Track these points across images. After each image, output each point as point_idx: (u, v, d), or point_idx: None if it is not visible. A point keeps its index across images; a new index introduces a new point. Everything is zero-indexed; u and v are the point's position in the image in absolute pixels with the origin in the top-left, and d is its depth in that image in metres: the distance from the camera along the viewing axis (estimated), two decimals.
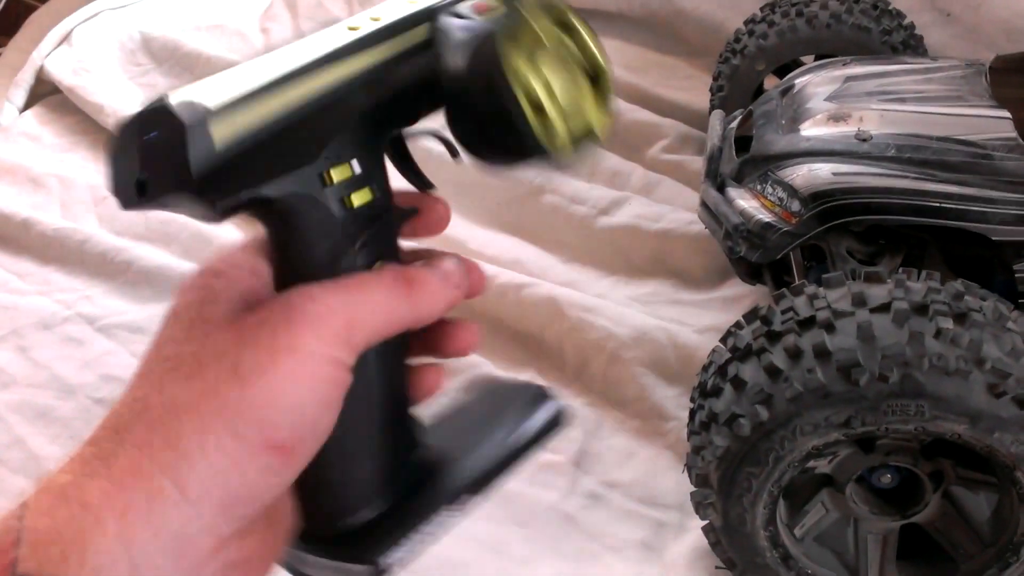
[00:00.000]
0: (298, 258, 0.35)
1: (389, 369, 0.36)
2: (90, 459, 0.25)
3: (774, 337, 0.46)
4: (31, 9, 1.28)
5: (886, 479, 0.48)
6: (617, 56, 1.06)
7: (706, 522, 0.50)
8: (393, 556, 0.36)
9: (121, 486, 0.25)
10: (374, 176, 0.35)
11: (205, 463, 0.25)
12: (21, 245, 0.74)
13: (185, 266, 0.71)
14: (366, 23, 0.33)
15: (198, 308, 0.29)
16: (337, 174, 0.34)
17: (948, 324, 0.43)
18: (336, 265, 0.34)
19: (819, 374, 0.43)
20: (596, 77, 0.34)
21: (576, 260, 0.79)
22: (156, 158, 0.29)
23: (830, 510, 0.49)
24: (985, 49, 0.98)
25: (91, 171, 0.84)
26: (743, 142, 0.70)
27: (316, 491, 0.35)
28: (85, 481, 0.25)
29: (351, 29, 0.32)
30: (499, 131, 0.32)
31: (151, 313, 0.67)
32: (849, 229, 0.62)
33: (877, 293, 0.45)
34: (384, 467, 0.36)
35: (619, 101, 0.97)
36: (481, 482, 0.40)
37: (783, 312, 0.47)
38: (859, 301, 0.45)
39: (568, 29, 0.33)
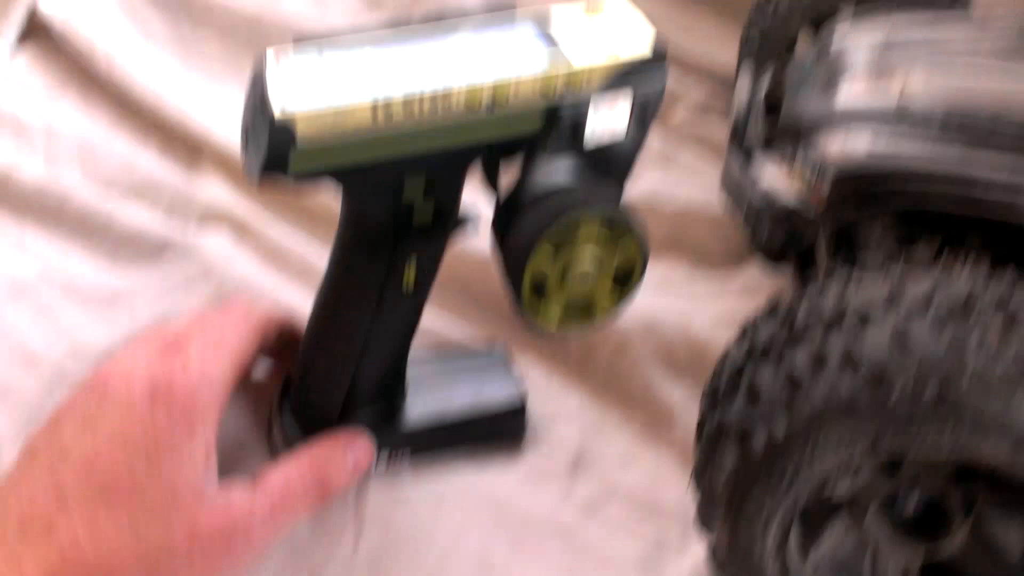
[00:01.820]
0: (352, 235, 0.43)
1: (412, 320, 0.48)
2: None
3: (795, 339, 0.41)
4: None
5: (911, 507, 0.43)
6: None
7: (710, 543, 0.45)
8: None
9: None
10: (445, 190, 0.41)
11: None
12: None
13: (168, 228, 0.67)
14: (487, 103, 0.36)
15: (188, 458, 0.37)
16: (410, 192, 0.39)
17: (996, 329, 0.37)
18: (381, 250, 0.42)
19: (843, 386, 0.38)
20: (627, 277, 0.40)
21: None
22: (254, 149, 0.36)
23: (846, 539, 0.44)
24: None
25: (79, 119, 0.79)
26: (774, 105, 0.64)
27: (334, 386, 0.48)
28: None
29: (469, 108, 0.36)
30: (507, 276, 0.38)
31: (128, 280, 0.63)
32: (886, 212, 0.56)
33: (915, 289, 0.40)
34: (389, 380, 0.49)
35: None
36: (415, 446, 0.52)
37: (807, 308, 0.42)
38: (894, 298, 0.39)
39: (620, 234, 0.38)
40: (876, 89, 0.55)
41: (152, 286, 0.64)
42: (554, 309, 0.37)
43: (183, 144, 0.77)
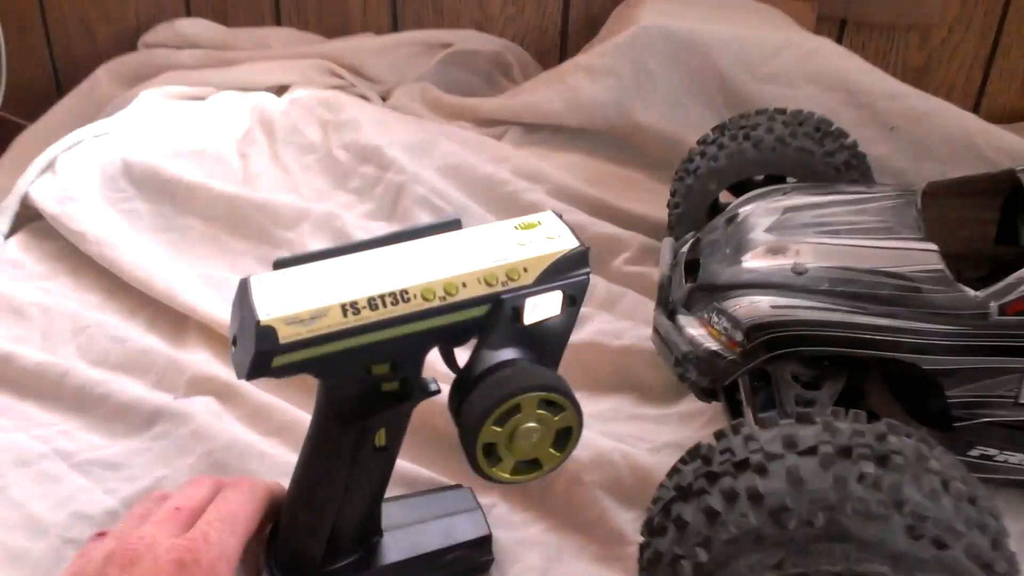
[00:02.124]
0: (329, 416, 0.49)
1: (384, 472, 0.55)
2: None
3: (712, 478, 0.49)
4: (18, 127, 1.32)
5: None
6: (580, 170, 1.11)
7: None
8: None
9: None
10: (408, 372, 0.47)
11: None
12: (2, 379, 0.76)
13: (157, 398, 0.74)
14: (440, 294, 0.44)
15: None
16: (377, 369, 0.46)
17: (870, 468, 0.45)
18: (354, 426, 0.48)
19: (752, 517, 0.45)
20: (567, 434, 0.47)
21: None
22: (242, 350, 0.43)
23: None
24: (928, 160, 1.03)
25: (72, 300, 0.87)
26: (694, 266, 0.74)
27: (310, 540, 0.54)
28: None
29: (425, 299, 0.43)
30: (463, 445, 0.45)
31: (125, 448, 0.69)
32: (793, 356, 0.65)
33: (805, 435, 0.48)
34: (365, 528, 0.55)
35: (583, 215, 1.01)
36: None
37: (721, 452, 0.50)
38: (789, 443, 0.48)
39: (556, 407, 0.45)
40: (774, 260, 0.65)
41: (147, 452, 0.70)
42: (505, 466, 0.44)
43: (169, 318, 0.85)
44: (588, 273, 0.47)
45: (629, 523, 0.65)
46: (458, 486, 0.65)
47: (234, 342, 0.44)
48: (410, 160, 1.03)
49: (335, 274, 0.44)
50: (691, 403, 0.78)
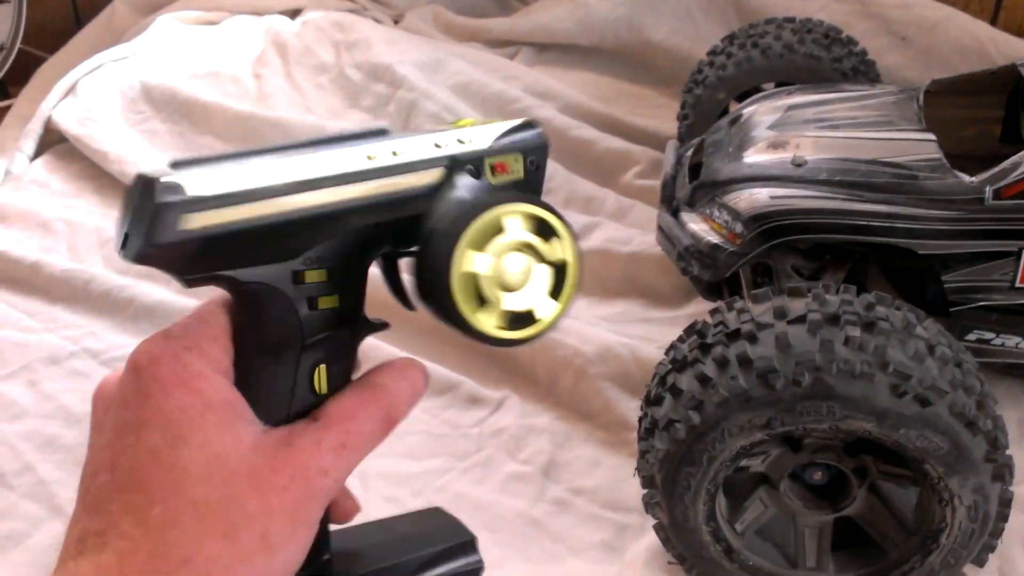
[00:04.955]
0: (255, 340, 0.37)
1: None
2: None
3: (706, 349, 0.51)
4: (40, 60, 1.35)
5: (817, 476, 0.52)
6: (591, 87, 1.11)
7: (656, 521, 0.54)
8: None
9: None
10: (347, 286, 0.37)
11: None
12: (31, 286, 0.79)
13: (182, 301, 0.76)
14: (385, 155, 0.34)
15: (195, 415, 0.32)
16: (311, 276, 0.36)
17: (856, 332, 0.47)
18: (287, 354, 0.37)
19: (741, 380, 0.47)
20: (563, 274, 0.36)
21: None
22: (137, 221, 0.31)
23: (768, 506, 0.53)
24: (939, 70, 1.03)
25: (96, 215, 0.89)
26: (697, 169, 0.75)
27: None
28: None
29: (369, 158, 0.34)
30: (438, 306, 0.34)
31: None
32: (793, 247, 0.67)
33: (795, 306, 0.50)
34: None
35: (594, 130, 1.02)
36: None
37: (715, 326, 0.52)
38: (780, 314, 0.50)
39: (548, 230, 0.34)
40: (775, 154, 0.66)
41: None
42: (492, 312, 0.35)
43: None
44: (542, 134, 0.38)
45: (633, 411, 0.68)
46: (434, 509, 0.49)
47: (123, 243, 0.32)
48: (421, 78, 1.05)
49: (251, 168, 0.34)
50: (699, 305, 0.80)
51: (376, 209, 0.35)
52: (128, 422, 0.32)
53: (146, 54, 1.09)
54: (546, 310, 0.36)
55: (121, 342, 0.73)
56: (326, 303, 0.36)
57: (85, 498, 0.32)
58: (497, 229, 0.34)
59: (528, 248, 0.35)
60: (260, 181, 0.32)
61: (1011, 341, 0.63)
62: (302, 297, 0.36)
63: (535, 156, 0.38)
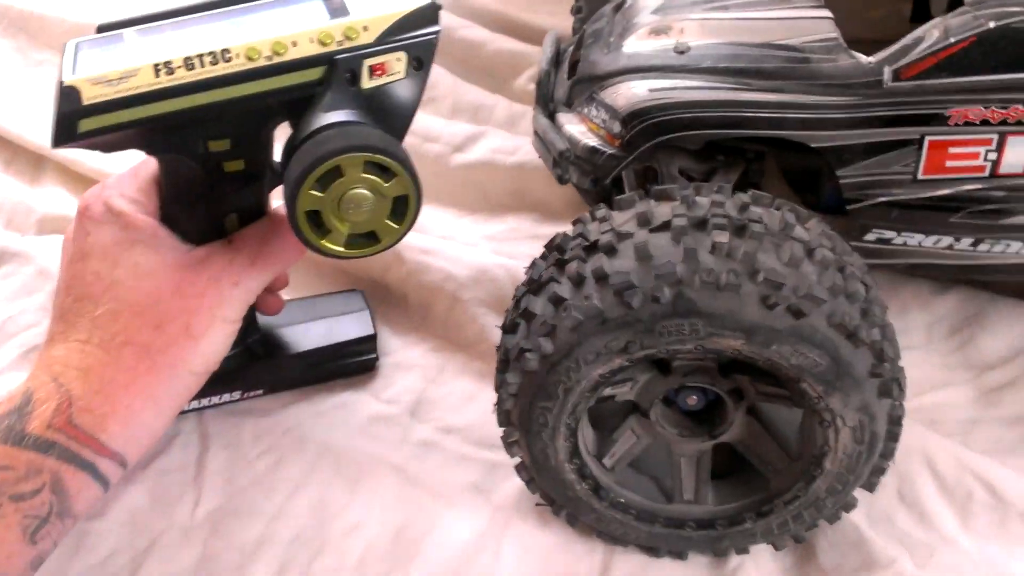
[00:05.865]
0: (174, 193, 0.46)
1: None
2: (91, 353, 0.42)
3: (562, 265, 0.44)
4: None
5: (692, 401, 0.47)
6: None
7: (518, 461, 0.48)
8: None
9: (131, 372, 0.42)
10: (251, 150, 0.45)
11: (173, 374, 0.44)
12: None
13: (3, 238, 0.68)
14: (266, 53, 0.40)
15: (125, 244, 0.43)
16: (215, 146, 0.43)
17: (724, 238, 0.41)
18: (199, 206, 0.46)
19: (596, 300, 0.41)
20: (404, 203, 0.42)
21: (431, 201, 0.76)
22: (54, 123, 0.40)
23: (640, 437, 0.48)
24: None
25: None
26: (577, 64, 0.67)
27: None
28: (101, 367, 0.41)
29: (250, 58, 0.40)
30: (287, 211, 0.41)
31: None
32: (680, 147, 0.60)
33: (661, 212, 0.43)
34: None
35: (484, 31, 0.93)
36: (275, 384, 0.58)
37: (574, 238, 0.45)
38: (643, 221, 0.43)
39: (387, 172, 0.41)
40: (657, 41, 0.59)
41: None
42: (336, 238, 0.41)
43: (28, 158, 0.78)
44: (437, 32, 0.43)
45: None
46: (352, 290, 0.63)
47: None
48: None
49: (157, 40, 0.41)
50: None
51: (261, 98, 0.40)
52: (75, 253, 0.44)
53: None
54: (388, 234, 0.42)
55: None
56: (232, 167, 0.44)
57: (53, 314, 0.44)
58: (338, 174, 0.39)
59: (367, 182, 0.40)
60: (149, 79, 0.39)
61: (914, 239, 0.57)
62: (209, 163, 0.44)
63: (421, 53, 0.43)
